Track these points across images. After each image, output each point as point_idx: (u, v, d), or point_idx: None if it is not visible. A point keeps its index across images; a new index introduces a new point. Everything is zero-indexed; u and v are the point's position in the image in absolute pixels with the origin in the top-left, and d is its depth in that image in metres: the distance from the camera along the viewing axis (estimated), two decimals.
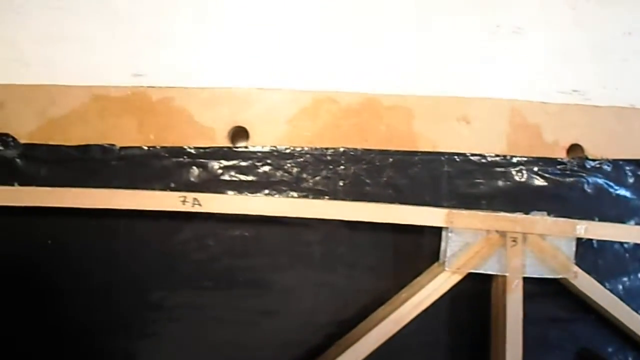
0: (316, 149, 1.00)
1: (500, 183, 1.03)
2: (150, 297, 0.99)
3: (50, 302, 0.98)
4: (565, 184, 1.04)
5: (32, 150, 0.98)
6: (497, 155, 1.03)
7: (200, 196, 0.92)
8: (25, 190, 0.93)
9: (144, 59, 1.02)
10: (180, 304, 0.99)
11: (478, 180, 1.03)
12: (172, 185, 0.99)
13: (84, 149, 0.98)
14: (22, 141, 0.98)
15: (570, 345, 1.05)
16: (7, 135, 0.98)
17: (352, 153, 1.00)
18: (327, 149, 1.00)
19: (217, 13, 1.01)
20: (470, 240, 0.96)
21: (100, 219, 0.97)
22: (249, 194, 0.99)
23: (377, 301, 1.01)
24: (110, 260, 0.99)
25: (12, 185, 0.95)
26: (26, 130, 0.99)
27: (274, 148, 1.00)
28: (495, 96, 1.05)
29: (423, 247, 1.01)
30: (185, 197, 0.92)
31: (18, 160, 0.98)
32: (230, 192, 0.99)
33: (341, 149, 1.00)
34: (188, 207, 0.92)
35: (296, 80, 1.00)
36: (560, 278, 0.98)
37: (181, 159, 0.99)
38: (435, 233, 0.98)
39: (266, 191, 1.00)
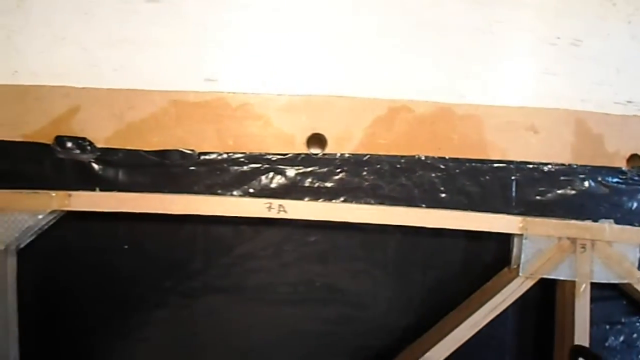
0: (392, 156, 1.02)
1: (565, 191, 1.07)
2: (220, 303, 1.00)
3: (129, 306, 0.98)
4: (626, 192, 1.08)
5: (109, 155, 0.98)
6: (563, 164, 1.07)
7: (285, 203, 0.93)
8: (109, 195, 0.93)
9: (216, 64, 1.03)
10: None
11: (544, 188, 1.06)
12: (251, 191, 1.00)
13: (163, 154, 0.98)
14: (99, 145, 0.98)
15: (627, 348, 1.09)
16: (83, 139, 0.98)
17: (426, 161, 1.02)
18: (402, 156, 1.02)
19: (291, 20, 1.02)
20: (543, 247, 0.99)
21: (179, 224, 0.97)
22: (326, 201, 1.00)
23: (447, 305, 1.03)
24: (186, 265, 1.00)
25: (94, 190, 0.95)
26: (103, 134, 0.98)
27: (350, 155, 1.01)
28: (556, 106, 1.08)
29: (490, 252, 1.04)
30: (270, 203, 0.93)
31: (95, 164, 0.98)
32: (306, 199, 1.00)
33: (416, 157, 1.02)
34: (274, 214, 0.93)
35: (372, 88, 1.02)
36: (625, 283, 1.02)
37: (259, 165, 1.00)
38: (500, 239, 1.01)
39: (342, 198, 1.01)
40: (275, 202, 0.93)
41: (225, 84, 1.01)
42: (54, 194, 0.91)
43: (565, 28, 1.10)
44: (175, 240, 0.99)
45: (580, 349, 0.96)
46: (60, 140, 0.97)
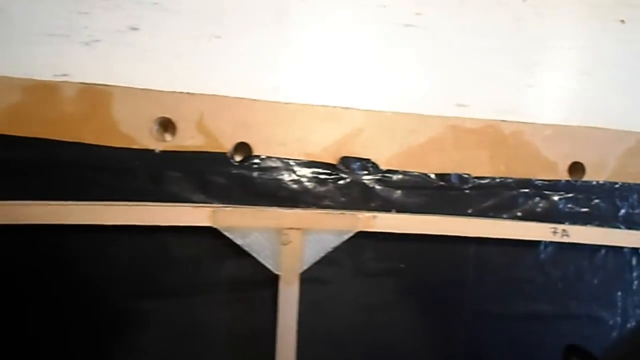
0: None
1: None
2: None
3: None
4: None
5: (390, 176, 1.01)
6: None
7: (569, 228, 0.99)
8: (412, 218, 0.95)
9: (466, 90, 1.07)
10: None
11: None
12: (519, 214, 1.05)
13: (442, 177, 1.02)
14: (382, 167, 1.01)
15: None
16: (367, 160, 1.00)
17: None
18: None
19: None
20: None
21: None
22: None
23: None
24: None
25: (388, 211, 0.98)
26: (384, 156, 1.01)
27: (605, 182, 1.08)
28: None
29: None
30: (555, 228, 0.98)
31: (376, 185, 1.00)
32: (566, 222, 1.06)
33: None
34: (557, 238, 0.99)
35: (622, 120, 1.09)
36: None
37: (527, 190, 1.05)
38: None
39: (596, 223, 1.08)
40: (560, 227, 0.99)
41: (470, 109, 1.06)
42: (360, 216, 0.93)
43: None
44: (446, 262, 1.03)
45: (573, 348, 0.97)
46: (345, 160, 0.99)
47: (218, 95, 0.97)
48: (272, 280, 0.95)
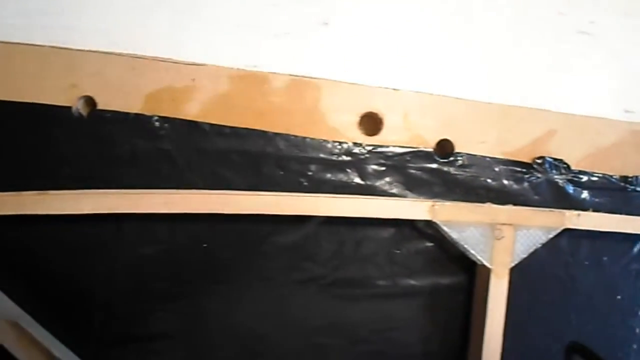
0: None
1: None
2: None
3: None
4: None
5: (579, 177, 1.04)
6: None
7: None
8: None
9: (634, 97, 1.12)
10: None
11: None
12: None
13: (625, 179, 1.06)
14: (573, 168, 1.04)
15: None
16: (560, 160, 1.03)
17: None
18: None
19: None
20: None
21: None
22: None
23: None
24: None
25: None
26: (575, 157, 1.04)
27: None
28: None
29: None
30: None
31: (567, 185, 1.04)
32: None
33: None
34: None
35: None
36: None
37: None
38: None
39: None
40: None
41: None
42: (567, 214, 0.97)
43: None
44: None
45: (577, 346, 0.98)
46: (540, 160, 1.02)
47: (423, 92, 0.99)
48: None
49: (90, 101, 0.96)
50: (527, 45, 1.03)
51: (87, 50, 0.94)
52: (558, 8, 1.07)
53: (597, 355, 0.91)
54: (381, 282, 1.00)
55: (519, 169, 1.02)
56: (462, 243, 0.93)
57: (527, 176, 1.02)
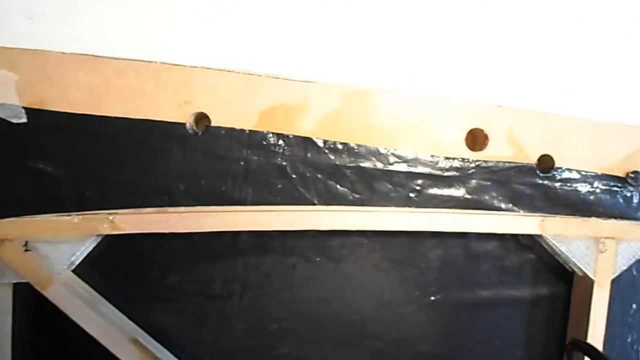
0: None
1: None
2: None
3: None
4: None
5: None
6: None
7: None
8: None
9: None
10: None
11: None
12: None
13: None
14: None
15: None
16: None
17: None
18: None
19: None
20: None
21: None
22: None
23: None
24: None
25: None
26: None
27: None
28: None
29: None
30: None
31: None
32: None
33: None
34: None
35: None
36: None
37: None
38: None
39: None
40: None
41: None
42: None
43: None
44: None
45: (577, 343, 0.98)
46: (633, 174, 1.06)
47: (526, 109, 1.02)
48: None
49: (204, 118, 0.96)
50: (620, 63, 1.07)
51: (201, 67, 0.95)
52: None
53: (598, 352, 0.94)
54: (485, 293, 1.03)
55: (613, 183, 1.06)
56: (569, 256, 0.97)
57: (621, 190, 1.06)
